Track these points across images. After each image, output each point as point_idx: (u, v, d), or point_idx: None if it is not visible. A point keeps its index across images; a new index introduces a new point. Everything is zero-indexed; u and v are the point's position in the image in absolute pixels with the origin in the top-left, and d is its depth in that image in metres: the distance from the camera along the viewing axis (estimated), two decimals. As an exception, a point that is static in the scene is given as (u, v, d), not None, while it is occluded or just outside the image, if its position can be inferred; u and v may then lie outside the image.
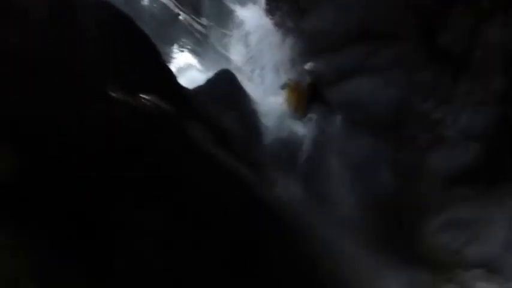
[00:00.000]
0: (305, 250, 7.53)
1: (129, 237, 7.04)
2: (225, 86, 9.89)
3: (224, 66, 10.56)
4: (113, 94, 7.07)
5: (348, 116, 9.87)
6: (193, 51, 14.81)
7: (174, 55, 14.44)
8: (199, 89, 9.58)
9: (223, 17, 14.84)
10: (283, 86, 10.84)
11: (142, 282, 6.90)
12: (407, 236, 7.02)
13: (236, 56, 14.30)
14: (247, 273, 7.50)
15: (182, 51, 14.70)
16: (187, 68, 13.83)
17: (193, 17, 15.12)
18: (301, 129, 10.03)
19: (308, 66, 10.36)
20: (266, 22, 12.41)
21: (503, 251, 5.16)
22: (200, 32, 15.03)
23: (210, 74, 10.37)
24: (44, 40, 6.70)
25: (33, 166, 6.45)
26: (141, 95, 7.56)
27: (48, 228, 6.51)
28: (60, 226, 6.57)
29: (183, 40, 14.94)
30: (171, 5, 14.98)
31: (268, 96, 11.28)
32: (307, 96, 10.42)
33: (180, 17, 15.00)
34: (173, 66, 13.03)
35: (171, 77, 8.85)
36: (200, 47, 14.91)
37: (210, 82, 9.89)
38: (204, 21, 15.14)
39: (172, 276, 7.05)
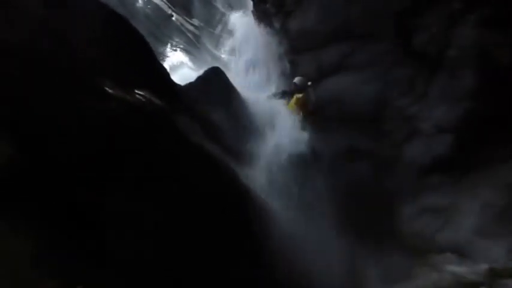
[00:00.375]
0: (286, 239, 7.54)
1: (122, 226, 6.97)
2: (214, 83, 9.81)
3: (214, 64, 10.40)
4: (110, 90, 6.97)
5: (329, 111, 9.84)
6: (185, 50, 14.78)
7: (168, 53, 14.43)
8: (190, 86, 9.51)
9: (214, 19, 14.85)
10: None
11: (133, 267, 6.87)
12: (384, 222, 6.98)
13: (225, 54, 14.31)
14: (234, 257, 7.49)
15: (175, 50, 14.67)
16: (180, 65, 13.78)
17: (186, 18, 15.08)
18: (286, 123, 9.96)
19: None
20: (254, 23, 12.39)
21: (473, 236, 5.12)
22: (192, 32, 15.01)
23: (201, 72, 10.26)
24: (42, 38, 6.59)
25: (32, 160, 6.35)
26: (136, 91, 7.50)
27: (46, 218, 6.42)
28: (57, 216, 6.47)
29: (176, 40, 14.91)
30: (165, 7, 14.92)
31: (256, 92, 11.24)
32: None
33: (173, 18, 14.95)
34: (166, 64, 13.04)
35: (164, 74, 8.76)
36: (192, 46, 14.87)
37: (200, 79, 9.79)
38: (195, 22, 15.08)
39: (162, 262, 7.03)
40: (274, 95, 10.60)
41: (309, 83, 10.02)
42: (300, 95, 10.02)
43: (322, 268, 7.24)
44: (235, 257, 7.34)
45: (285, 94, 10.52)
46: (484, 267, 4.85)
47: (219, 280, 7.19)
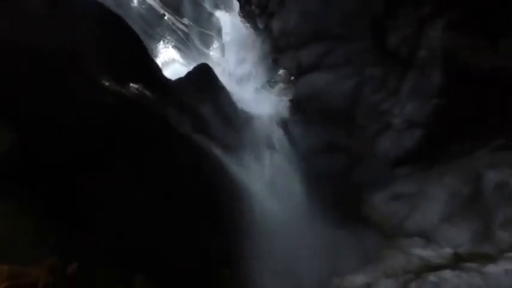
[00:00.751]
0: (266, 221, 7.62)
1: (112, 197, 6.98)
2: (202, 78, 9.78)
3: (203, 60, 10.37)
4: (106, 84, 7.08)
5: (308, 106, 9.85)
6: (176, 47, 14.70)
7: (160, 50, 14.32)
8: (180, 80, 9.49)
9: (203, 18, 14.79)
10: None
11: (119, 230, 6.91)
12: (358, 208, 7.02)
13: (214, 52, 14.29)
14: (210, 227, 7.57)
15: (167, 47, 14.56)
16: (171, 62, 13.71)
17: (177, 17, 14.97)
18: (270, 114, 9.98)
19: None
20: (240, 23, 12.39)
21: (439, 222, 5.17)
22: (183, 31, 14.91)
23: (190, 68, 10.23)
24: (42, 33, 6.55)
25: (31, 144, 6.31)
26: (130, 84, 7.49)
27: (45, 195, 6.38)
28: (55, 193, 6.46)
29: (168, 37, 14.82)
30: (157, 7, 14.80)
31: (242, 86, 11.24)
32: None
33: (165, 18, 14.85)
34: (159, 60, 12.95)
35: (156, 69, 8.83)
36: (182, 43, 14.79)
37: (190, 74, 9.76)
38: (186, 21, 14.98)
39: (148, 240, 7.07)
40: (263, 86, 10.67)
41: (292, 78, 10.09)
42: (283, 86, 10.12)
43: (302, 249, 7.30)
44: (212, 233, 7.42)
45: (271, 83, 10.58)
46: (448, 251, 4.90)
47: (196, 250, 7.28)
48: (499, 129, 6.76)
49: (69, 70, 6.65)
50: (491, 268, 4.38)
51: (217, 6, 14.55)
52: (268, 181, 8.54)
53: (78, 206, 6.76)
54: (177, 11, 15.04)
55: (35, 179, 6.40)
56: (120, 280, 7.05)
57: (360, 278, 5.67)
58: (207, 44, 14.67)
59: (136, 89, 7.61)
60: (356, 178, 8.59)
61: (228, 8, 14.09)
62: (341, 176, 8.71)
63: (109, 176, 7.04)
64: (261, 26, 11.42)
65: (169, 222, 7.22)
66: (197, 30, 14.75)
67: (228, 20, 13.45)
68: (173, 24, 14.80)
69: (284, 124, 9.75)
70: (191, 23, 14.89)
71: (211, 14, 14.69)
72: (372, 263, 5.70)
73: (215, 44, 14.42)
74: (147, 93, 7.69)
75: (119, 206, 7.03)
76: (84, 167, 6.87)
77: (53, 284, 5.94)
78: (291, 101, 10.13)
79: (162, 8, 14.85)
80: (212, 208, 7.62)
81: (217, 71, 10.41)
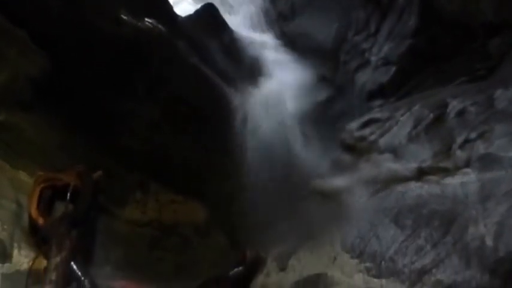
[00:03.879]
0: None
1: (132, 122, 6.93)
2: (209, 16, 9.45)
3: (209, 0, 9.99)
4: (124, 17, 6.86)
5: (299, 43, 9.69)
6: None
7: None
8: (189, 18, 9.20)
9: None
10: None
11: (138, 154, 6.90)
12: (337, 131, 6.97)
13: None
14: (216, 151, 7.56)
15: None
16: (181, 0, 13.13)
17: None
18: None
19: None
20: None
21: (406, 141, 5.10)
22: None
23: (198, 7, 9.88)
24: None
25: (60, 68, 6.14)
26: (145, 19, 7.24)
27: (71, 113, 6.26)
28: (80, 110, 6.34)
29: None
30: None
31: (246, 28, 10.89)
32: None
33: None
34: (170, -1, 12.50)
35: (168, 7, 8.45)
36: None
37: (197, 12, 9.45)
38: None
39: (161, 151, 7.07)
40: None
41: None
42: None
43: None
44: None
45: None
46: (414, 166, 4.86)
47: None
48: (463, 68, 6.56)
49: (92, 7, 6.50)
50: (449, 180, 4.33)
51: None
52: (263, 105, 8.45)
53: (101, 122, 6.71)
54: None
55: (64, 98, 6.29)
56: (137, 186, 7.11)
57: (338, 183, 5.69)
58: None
59: (151, 23, 7.42)
60: (337, 108, 8.60)
61: None
62: (324, 105, 8.69)
63: (127, 97, 6.98)
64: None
65: (180, 137, 7.24)
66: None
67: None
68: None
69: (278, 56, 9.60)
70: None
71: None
72: (348, 174, 5.68)
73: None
74: (160, 27, 7.48)
75: (134, 124, 7.00)
76: (107, 89, 6.79)
77: (81, 186, 5.96)
78: (284, 37, 9.94)
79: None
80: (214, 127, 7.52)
81: (222, 11, 10.07)
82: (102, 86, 6.58)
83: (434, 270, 3.80)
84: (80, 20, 6.26)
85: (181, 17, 8.90)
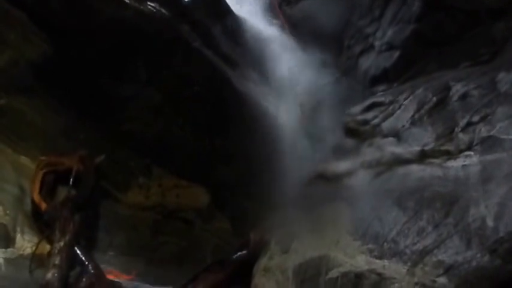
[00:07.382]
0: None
1: (135, 106, 6.96)
2: (212, 1, 9.40)
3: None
4: (127, 1, 6.86)
5: (303, 27, 9.67)
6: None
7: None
8: (192, 2, 9.11)
9: None
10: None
11: (141, 138, 6.94)
12: (340, 115, 7.01)
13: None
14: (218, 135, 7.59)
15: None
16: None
17: None
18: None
19: None
20: None
21: (409, 125, 5.15)
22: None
23: (201, -9, 9.79)
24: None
25: (61, 52, 6.15)
26: (147, 2, 7.22)
27: (72, 97, 6.30)
28: (82, 95, 6.38)
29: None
30: None
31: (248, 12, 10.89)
32: None
33: None
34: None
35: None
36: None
37: (199, -4, 9.37)
38: None
39: (164, 136, 7.10)
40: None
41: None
42: None
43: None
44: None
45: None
46: (416, 149, 4.92)
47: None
48: (467, 52, 6.56)
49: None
50: (450, 163, 4.40)
51: None
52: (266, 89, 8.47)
53: (103, 107, 6.73)
54: None
55: (66, 83, 6.31)
56: (139, 170, 7.16)
57: (341, 167, 5.73)
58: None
59: (153, 7, 7.40)
60: (340, 92, 8.58)
61: None
62: (328, 89, 8.69)
63: (130, 81, 6.98)
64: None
65: (183, 121, 7.25)
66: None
67: None
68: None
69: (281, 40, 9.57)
70: None
71: None
72: (351, 157, 5.73)
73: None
74: (163, 10, 7.46)
75: (138, 108, 7.01)
76: (109, 73, 6.79)
77: (83, 171, 6.01)
78: (288, 21, 9.91)
79: None
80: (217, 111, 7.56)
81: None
82: (104, 70, 6.60)
83: (435, 251, 3.90)
84: (81, 2, 6.26)
85: (184, 1, 8.86)
